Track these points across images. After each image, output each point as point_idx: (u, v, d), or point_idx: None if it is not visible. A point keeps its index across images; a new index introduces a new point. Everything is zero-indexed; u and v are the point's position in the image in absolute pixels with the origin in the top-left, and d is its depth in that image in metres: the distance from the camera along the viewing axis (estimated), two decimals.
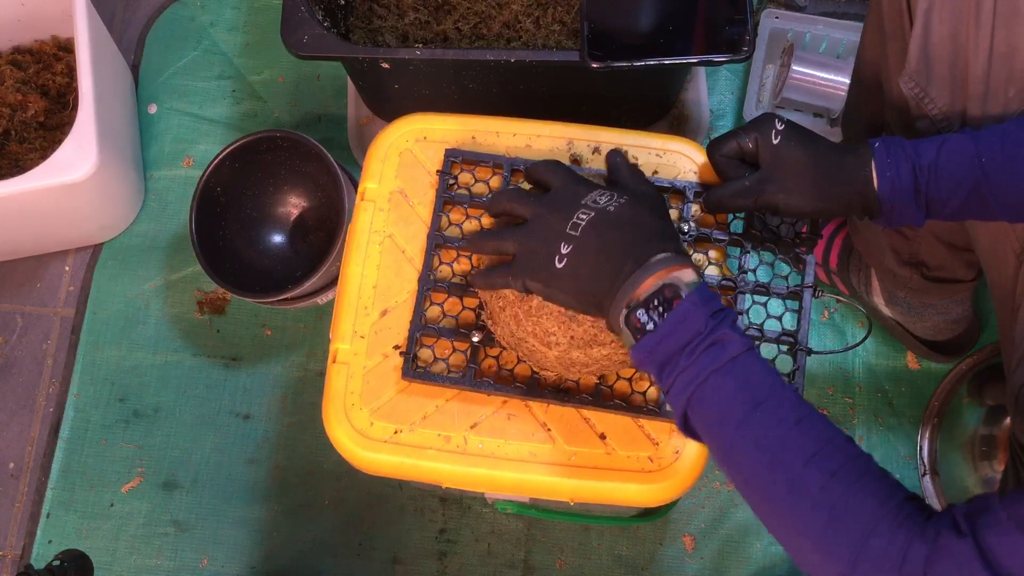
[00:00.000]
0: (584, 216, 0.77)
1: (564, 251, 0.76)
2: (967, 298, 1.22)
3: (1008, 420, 1.23)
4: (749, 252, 0.91)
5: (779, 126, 0.84)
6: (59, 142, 1.25)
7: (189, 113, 1.50)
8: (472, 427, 0.88)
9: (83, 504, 1.34)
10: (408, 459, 0.88)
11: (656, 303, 0.70)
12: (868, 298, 1.26)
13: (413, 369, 0.88)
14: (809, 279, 0.90)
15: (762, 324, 0.88)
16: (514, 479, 0.87)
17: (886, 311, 1.25)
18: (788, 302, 0.92)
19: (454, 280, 0.92)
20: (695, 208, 0.93)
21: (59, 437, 1.37)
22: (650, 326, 0.70)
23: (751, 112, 1.37)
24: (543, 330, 0.82)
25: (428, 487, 1.24)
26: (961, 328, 1.26)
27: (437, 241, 0.92)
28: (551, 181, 0.83)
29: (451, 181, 0.95)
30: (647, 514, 1.20)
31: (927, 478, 1.27)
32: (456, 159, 0.95)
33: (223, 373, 1.39)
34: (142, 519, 1.33)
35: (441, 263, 0.93)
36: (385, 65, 1.21)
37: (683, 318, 0.69)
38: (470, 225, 0.94)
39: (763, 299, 0.90)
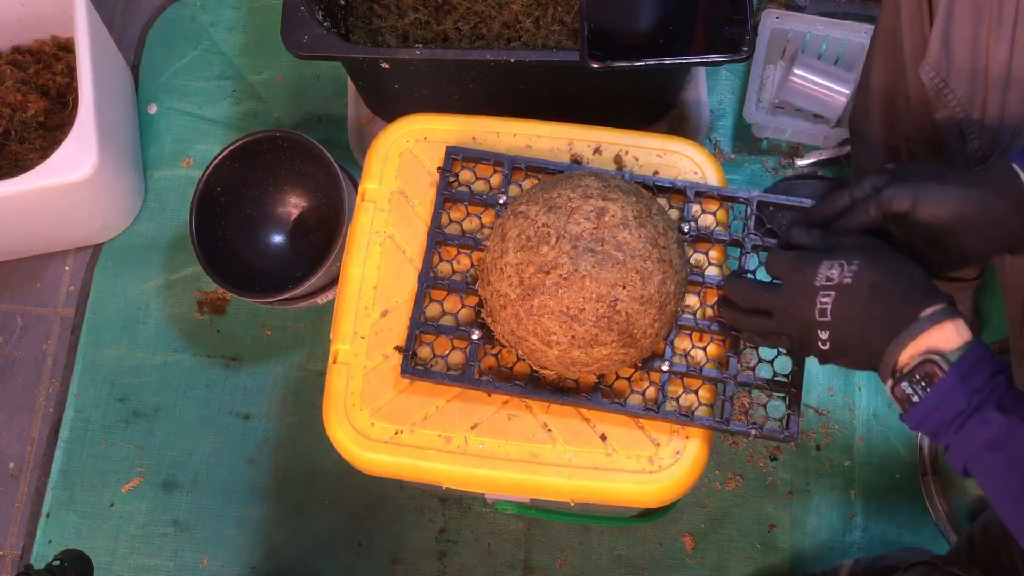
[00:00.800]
0: (827, 300, 0.73)
1: (823, 336, 0.74)
2: (968, 298, 1.22)
3: None
4: (749, 252, 0.91)
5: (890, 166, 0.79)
6: (59, 142, 1.24)
7: (189, 113, 1.50)
8: (472, 428, 0.88)
9: (83, 504, 1.34)
10: (408, 460, 0.88)
11: (917, 377, 0.69)
12: None
13: (412, 366, 0.88)
14: None
15: None
16: (514, 479, 0.87)
17: None
18: None
19: (454, 278, 0.92)
20: (696, 208, 0.92)
21: (59, 437, 1.37)
22: (915, 398, 0.70)
23: (751, 112, 1.37)
24: (544, 329, 0.82)
25: (428, 487, 1.24)
26: None
27: (438, 238, 0.92)
28: (777, 273, 0.79)
29: (452, 178, 0.95)
30: (647, 514, 1.20)
31: (927, 478, 1.27)
32: (457, 156, 0.95)
33: (223, 373, 1.38)
34: (142, 519, 1.33)
35: (441, 260, 0.93)
36: (385, 65, 1.21)
37: (943, 396, 0.68)
38: (470, 224, 0.94)
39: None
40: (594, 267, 0.81)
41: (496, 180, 0.95)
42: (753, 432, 0.86)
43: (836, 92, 1.35)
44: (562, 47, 1.31)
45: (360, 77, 1.33)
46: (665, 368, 0.87)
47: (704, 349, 0.89)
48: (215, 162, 1.27)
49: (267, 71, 1.52)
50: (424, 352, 0.90)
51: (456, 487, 0.90)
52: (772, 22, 1.39)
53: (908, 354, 0.70)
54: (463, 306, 0.91)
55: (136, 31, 1.56)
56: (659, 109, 1.42)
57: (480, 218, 0.94)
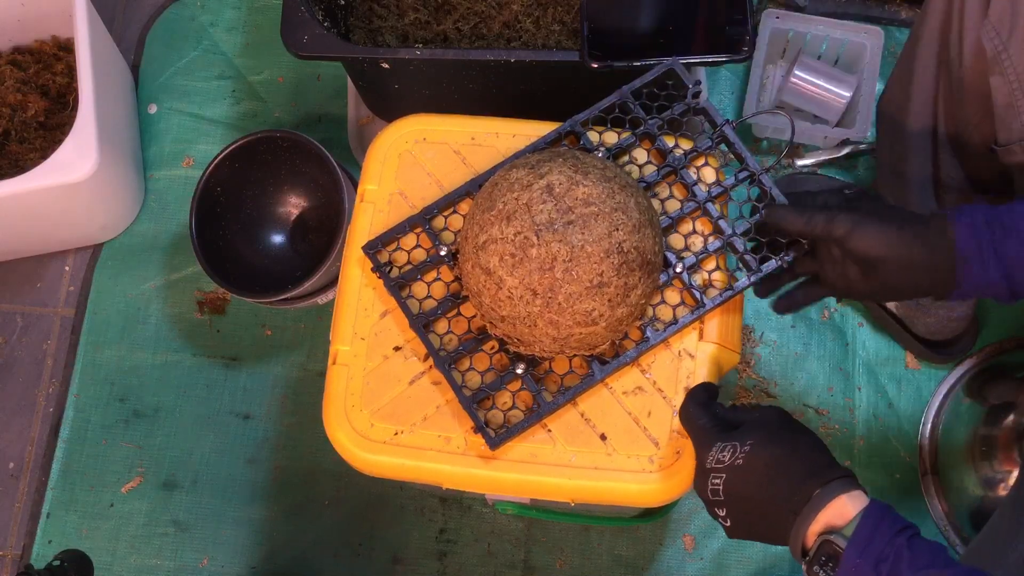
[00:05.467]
0: (718, 481, 0.75)
1: (721, 514, 0.76)
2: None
3: (1009, 419, 1.23)
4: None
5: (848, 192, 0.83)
6: (59, 142, 1.24)
7: (189, 113, 1.50)
8: (473, 428, 0.88)
9: (83, 504, 1.34)
10: (408, 460, 0.88)
11: (824, 559, 0.68)
12: None
13: (496, 435, 0.86)
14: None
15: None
16: (515, 480, 0.87)
17: (892, 305, 1.25)
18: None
19: (466, 338, 0.90)
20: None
21: (59, 437, 1.37)
22: None
23: (751, 112, 1.37)
24: (583, 312, 0.82)
25: (428, 487, 1.24)
26: (961, 328, 1.26)
27: (424, 321, 0.90)
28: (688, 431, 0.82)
29: (387, 268, 0.92)
30: (647, 514, 1.20)
31: (927, 478, 1.27)
32: (374, 248, 0.92)
33: (223, 373, 1.38)
34: (142, 519, 1.33)
35: (447, 332, 0.90)
36: (385, 65, 1.20)
37: (852, 574, 0.67)
38: (439, 289, 0.92)
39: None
40: (583, 232, 0.81)
41: (424, 240, 0.93)
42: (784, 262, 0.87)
43: (836, 94, 1.35)
44: (562, 47, 1.31)
45: (360, 77, 1.33)
46: (679, 269, 0.88)
47: (697, 233, 0.91)
48: (215, 162, 1.27)
49: (267, 71, 1.52)
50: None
51: (456, 488, 0.90)
52: (772, 22, 1.39)
53: (810, 536, 0.69)
54: (491, 353, 0.90)
55: (136, 31, 1.56)
56: None
57: (439, 276, 0.92)
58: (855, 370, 1.33)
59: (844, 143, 1.39)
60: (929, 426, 1.29)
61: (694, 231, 0.92)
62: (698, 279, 0.90)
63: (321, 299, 1.33)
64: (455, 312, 0.91)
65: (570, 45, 1.31)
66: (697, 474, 0.79)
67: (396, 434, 0.89)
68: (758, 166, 0.91)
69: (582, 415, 0.88)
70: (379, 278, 0.91)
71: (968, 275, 0.76)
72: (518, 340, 0.86)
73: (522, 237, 0.82)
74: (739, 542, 1.27)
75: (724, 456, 0.75)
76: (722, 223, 0.90)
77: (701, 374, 0.89)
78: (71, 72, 1.43)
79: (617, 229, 0.82)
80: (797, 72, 1.35)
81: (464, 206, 0.94)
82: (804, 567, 0.70)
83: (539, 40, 1.31)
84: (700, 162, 0.94)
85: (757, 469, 0.73)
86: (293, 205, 1.38)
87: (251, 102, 1.51)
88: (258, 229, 1.35)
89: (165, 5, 1.57)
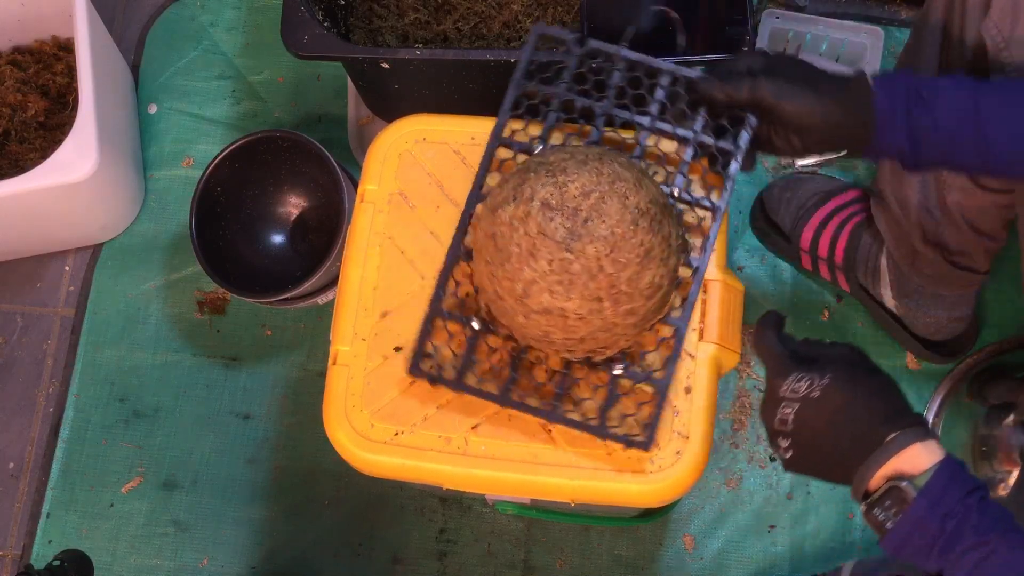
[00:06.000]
0: (788, 411, 0.74)
1: (784, 444, 0.75)
2: (973, 295, 1.22)
3: (1009, 419, 1.23)
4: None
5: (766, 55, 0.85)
6: (59, 142, 1.24)
7: (189, 113, 1.50)
8: (473, 428, 0.88)
9: (83, 504, 1.34)
10: (409, 461, 0.88)
11: (888, 504, 0.69)
12: (874, 291, 1.26)
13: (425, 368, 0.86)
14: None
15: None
16: (515, 480, 0.87)
17: (891, 304, 1.25)
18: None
19: (556, 378, 0.88)
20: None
21: (59, 437, 1.37)
22: (888, 525, 0.69)
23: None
24: (648, 284, 0.82)
25: (428, 487, 1.24)
26: (961, 328, 1.26)
27: (510, 399, 0.87)
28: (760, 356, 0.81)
29: (439, 373, 0.89)
30: (647, 514, 1.20)
31: None
32: (417, 364, 0.88)
33: (223, 373, 1.38)
34: (142, 519, 1.33)
35: (534, 389, 0.88)
36: (385, 65, 1.20)
37: (916, 523, 0.67)
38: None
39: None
40: (603, 219, 0.80)
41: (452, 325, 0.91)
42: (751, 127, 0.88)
43: None
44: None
45: (360, 77, 1.33)
46: (676, 192, 0.90)
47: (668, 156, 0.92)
48: (215, 162, 1.27)
49: (267, 71, 1.52)
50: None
51: (456, 488, 0.90)
52: (772, 22, 1.39)
53: (877, 479, 0.70)
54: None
55: (136, 31, 1.56)
56: None
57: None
58: None
59: None
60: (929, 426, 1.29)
61: (665, 155, 0.92)
62: (698, 191, 0.91)
63: (321, 299, 1.33)
64: (528, 369, 0.89)
65: None
66: (766, 402, 0.78)
67: (396, 434, 0.89)
68: (668, 64, 0.90)
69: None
70: (450, 388, 0.88)
71: (880, 137, 0.79)
72: (602, 349, 0.85)
73: (557, 261, 0.80)
74: (739, 542, 1.27)
75: (800, 387, 0.74)
76: (680, 131, 0.90)
77: (701, 374, 0.88)
78: (71, 72, 1.43)
79: (627, 196, 0.81)
80: None
81: (460, 273, 0.91)
82: (863, 508, 0.70)
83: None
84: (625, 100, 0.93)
85: (833, 404, 0.72)
86: (293, 205, 1.38)
87: (251, 102, 1.50)
88: (258, 229, 1.35)
89: (165, 5, 1.56)
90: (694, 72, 0.89)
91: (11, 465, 1.37)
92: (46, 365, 1.41)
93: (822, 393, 0.73)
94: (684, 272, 0.88)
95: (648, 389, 0.87)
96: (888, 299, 1.25)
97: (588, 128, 0.93)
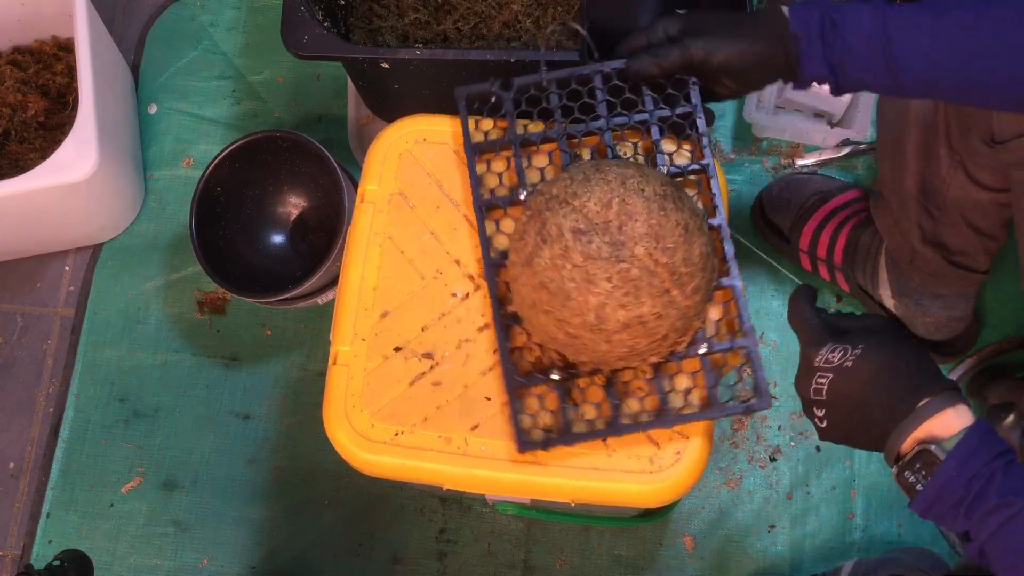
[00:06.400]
0: (823, 380, 0.76)
1: (819, 414, 0.77)
2: (973, 294, 1.22)
3: (1009, 419, 1.23)
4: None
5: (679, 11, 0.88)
6: (59, 142, 1.24)
7: (189, 113, 1.50)
8: (473, 429, 0.88)
9: (83, 504, 1.34)
10: (409, 461, 0.88)
11: (918, 466, 0.70)
12: (873, 291, 1.26)
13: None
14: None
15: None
16: (515, 480, 0.87)
17: (891, 304, 1.25)
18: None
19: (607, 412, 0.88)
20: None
21: (59, 437, 1.37)
22: (918, 487, 0.71)
23: (751, 112, 1.37)
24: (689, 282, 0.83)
25: (428, 487, 1.24)
26: (960, 327, 1.26)
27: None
28: (795, 327, 0.83)
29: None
30: (647, 514, 1.20)
31: None
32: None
33: (223, 373, 1.38)
34: (142, 519, 1.33)
35: (597, 415, 0.88)
36: (385, 65, 1.20)
37: (943, 484, 0.69)
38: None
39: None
40: (633, 220, 0.81)
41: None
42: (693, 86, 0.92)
43: None
44: (562, 47, 1.31)
45: (360, 77, 1.33)
46: (666, 169, 0.92)
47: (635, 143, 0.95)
48: (215, 162, 1.27)
49: (267, 71, 1.52)
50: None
51: (456, 488, 0.90)
52: None
53: (908, 443, 0.71)
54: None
55: (136, 31, 1.56)
56: None
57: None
58: None
59: (844, 143, 1.39)
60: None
61: (636, 143, 0.94)
62: (683, 160, 0.93)
63: (321, 299, 1.33)
64: (623, 389, 0.89)
65: (570, 45, 1.31)
66: (801, 373, 0.80)
67: (396, 434, 0.89)
68: (592, 66, 0.94)
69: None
70: (566, 444, 0.87)
71: (803, 66, 0.83)
72: (682, 338, 0.86)
73: (616, 275, 0.80)
74: (739, 542, 1.27)
75: (834, 357, 0.76)
76: (636, 117, 0.92)
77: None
78: (71, 72, 1.43)
79: (643, 189, 0.82)
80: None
81: (518, 339, 0.90)
82: (895, 471, 0.72)
83: (539, 40, 1.31)
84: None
85: (866, 373, 0.74)
86: (293, 205, 1.38)
87: (251, 102, 1.50)
88: (258, 229, 1.35)
89: (165, 5, 1.56)
90: (619, 61, 0.92)
91: (11, 465, 1.37)
92: (46, 365, 1.41)
93: (855, 363, 0.75)
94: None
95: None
96: (887, 299, 1.25)
97: (557, 155, 0.94)
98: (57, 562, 1.06)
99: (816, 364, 0.78)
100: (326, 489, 1.33)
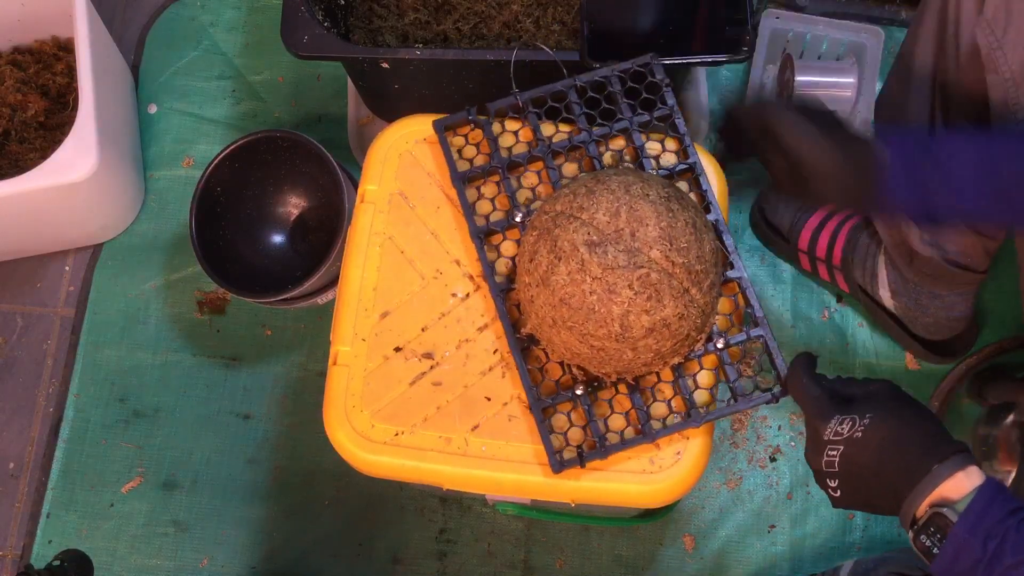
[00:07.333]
0: (834, 452, 0.76)
1: (832, 484, 0.78)
2: (972, 294, 1.22)
3: (1009, 419, 1.23)
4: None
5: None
6: (59, 142, 1.24)
7: (189, 113, 1.50)
8: (473, 429, 0.88)
9: (83, 504, 1.34)
10: (409, 461, 0.88)
11: (932, 530, 0.70)
12: (872, 291, 1.26)
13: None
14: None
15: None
16: (515, 481, 0.87)
17: (890, 304, 1.25)
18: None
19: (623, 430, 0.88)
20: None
21: (59, 437, 1.37)
22: (935, 551, 0.71)
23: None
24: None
25: (428, 487, 1.24)
26: (960, 327, 1.26)
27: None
28: (799, 401, 0.83)
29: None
30: (647, 514, 1.20)
31: None
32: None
33: (223, 373, 1.38)
34: (142, 519, 1.33)
35: (626, 425, 0.88)
36: (385, 65, 1.21)
37: (959, 547, 0.69)
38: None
39: None
40: (643, 226, 0.82)
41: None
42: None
43: (843, 85, 1.35)
44: (562, 47, 1.31)
45: (360, 77, 1.33)
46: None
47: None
48: (215, 162, 1.27)
49: (267, 71, 1.52)
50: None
51: (456, 488, 0.90)
52: (772, 22, 1.39)
53: (923, 508, 0.72)
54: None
55: (136, 31, 1.56)
56: None
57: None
58: (855, 370, 1.33)
59: None
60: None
61: (620, 151, 0.94)
62: (669, 162, 0.94)
63: (321, 299, 1.33)
64: (649, 393, 0.89)
65: (570, 45, 1.31)
66: (810, 445, 0.80)
67: (396, 435, 0.89)
68: (565, 81, 0.95)
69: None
70: (600, 457, 0.87)
71: (890, 196, 0.81)
72: (701, 336, 0.86)
73: (636, 281, 0.81)
74: (739, 542, 1.27)
75: (843, 429, 0.76)
76: (616, 126, 0.93)
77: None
78: (71, 72, 1.43)
79: (647, 193, 0.83)
80: (799, 78, 1.34)
81: (537, 360, 0.90)
82: (911, 535, 0.72)
83: (539, 40, 1.31)
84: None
85: (876, 442, 0.74)
86: (293, 205, 1.38)
87: (251, 102, 1.50)
88: (258, 229, 1.35)
89: (165, 5, 1.56)
90: (595, 74, 0.93)
91: (11, 465, 1.37)
92: (46, 365, 1.41)
93: (864, 433, 0.75)
94: None
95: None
96: (887, 299, 1.25)
97: (545, 174, 0.94)
98: (57, 562, 1.06)
99: (826, 437, 0.77)
100: (326, 489, 1.33)
